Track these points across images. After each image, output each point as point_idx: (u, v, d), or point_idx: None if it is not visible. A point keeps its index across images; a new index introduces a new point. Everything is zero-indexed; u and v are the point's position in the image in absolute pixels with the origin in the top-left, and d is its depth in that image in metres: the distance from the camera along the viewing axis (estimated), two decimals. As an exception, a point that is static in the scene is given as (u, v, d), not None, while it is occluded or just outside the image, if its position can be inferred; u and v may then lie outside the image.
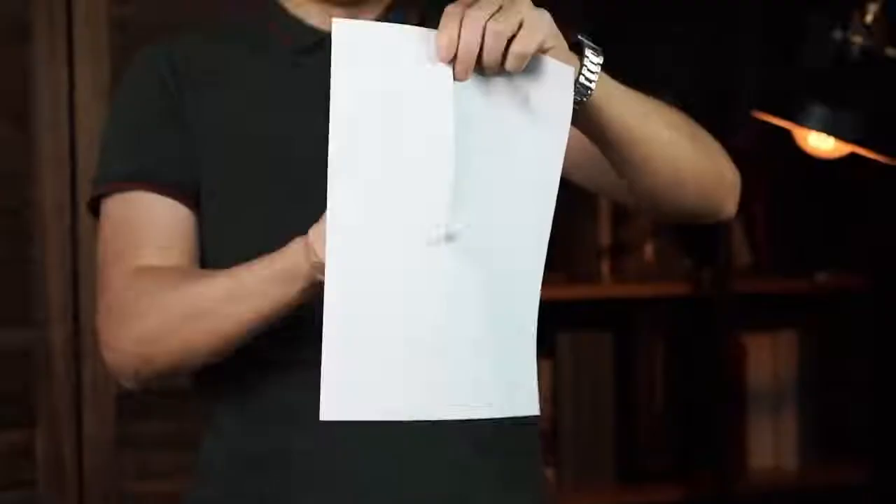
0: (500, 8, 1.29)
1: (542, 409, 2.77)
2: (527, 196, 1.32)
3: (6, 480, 2.42)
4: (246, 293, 1.42)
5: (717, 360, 2.94)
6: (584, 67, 1.37)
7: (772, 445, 3.09)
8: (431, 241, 1.28)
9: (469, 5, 1.29)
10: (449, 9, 1.30)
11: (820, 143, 2.63)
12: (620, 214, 2.97)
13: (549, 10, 1.35)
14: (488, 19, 1.28)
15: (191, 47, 1.58)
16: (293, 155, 1.51)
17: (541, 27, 1.30)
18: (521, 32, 1.29)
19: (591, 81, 1.37)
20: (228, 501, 1.54)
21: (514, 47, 1.29)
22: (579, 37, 1.39)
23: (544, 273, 1.36)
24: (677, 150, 1.47)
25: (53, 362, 2.44)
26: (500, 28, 1.28)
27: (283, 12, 1.59)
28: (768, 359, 3.08)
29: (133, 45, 2.18)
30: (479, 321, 1.29)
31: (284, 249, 1.39)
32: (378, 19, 1.55)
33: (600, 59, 1.38)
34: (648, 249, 2.98)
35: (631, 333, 2.98)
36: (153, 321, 1.47)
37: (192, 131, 1.54)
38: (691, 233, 2.97)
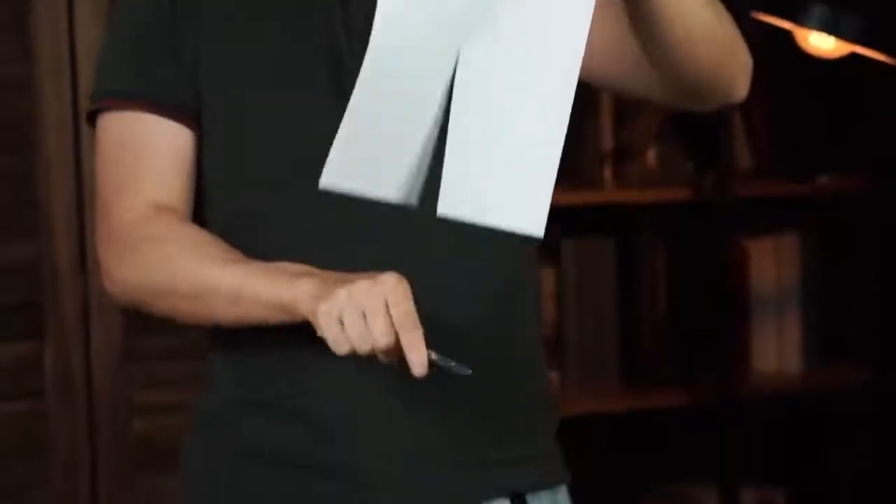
0: None
1: (545, 314, 2.84)
2: (558, 26, 1.29)
3: (15, 391, 2.46)
4: (247, 301, 1.44)
5: (720, 264, 2.95)
6: None
7: (775, 349, 3.09)
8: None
9: None
10: None
11: (820, 44, 2.63)
12: (623, 116, 2.96)
13: None
14: None
15: None
16: (301, 66, 1.51)
17: None
18: None
19: None
20: (238, 411, 1.56)
21: None
22: None
23: None
24: (701, 11, 1.45)
25: (60, 275, 2.46)
26: None
27: None
28: (771, 263, 3.09)
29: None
30: (503, 132, 1.30)
31: (296, 285, 1.39)
32: None
33: None
34: (651, 155, 2.98)
35: (633, 239, 2.99)
36: (155, 277, 1.50)
37: (192, 47, 1.53)
38: (693, 136, 2.98)
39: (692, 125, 2.94)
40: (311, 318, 1.37)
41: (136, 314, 2.24)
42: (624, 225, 2.98)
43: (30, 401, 2.45)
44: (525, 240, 1.29)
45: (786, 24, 2.47)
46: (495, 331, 1.53)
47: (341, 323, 1.33)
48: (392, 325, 1.32)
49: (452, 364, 1.35)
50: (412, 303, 1.34)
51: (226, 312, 1.46)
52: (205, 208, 1.58)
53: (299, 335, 1.45)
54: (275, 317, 1.43)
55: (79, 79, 2.43)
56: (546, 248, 1.32)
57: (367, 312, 1.33)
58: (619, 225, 2.97)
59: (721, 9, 1.49)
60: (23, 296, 2.45)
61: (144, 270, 1.50)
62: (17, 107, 2.43)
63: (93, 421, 2.48)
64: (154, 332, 2.46)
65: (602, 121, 2.95)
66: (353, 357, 1.38)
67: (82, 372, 2.47)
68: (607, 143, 2.96)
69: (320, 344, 1.37)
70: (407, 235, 1.48)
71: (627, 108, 2.96)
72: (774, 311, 3.10)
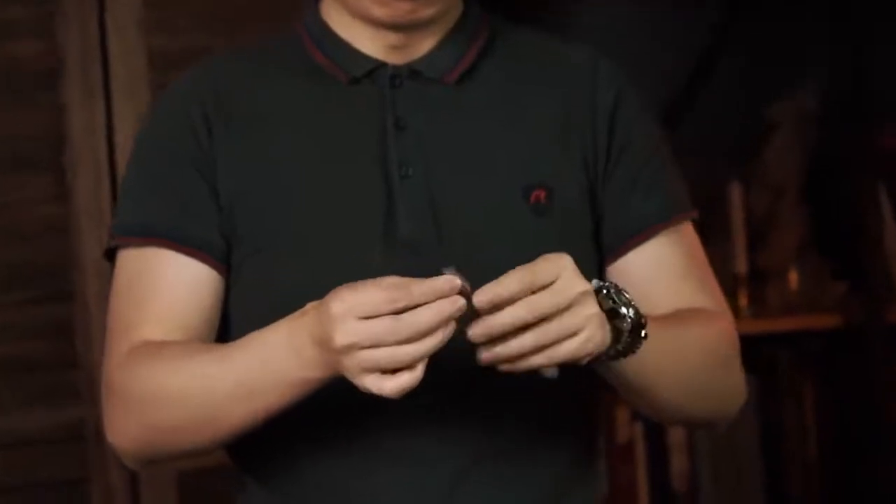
0: (568, 307, 1.30)
1: (676, 464, 2.70)
2: None
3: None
4: (256, 393, 1.39)
5: (878, 399, 2.83)
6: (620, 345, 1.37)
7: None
8: None
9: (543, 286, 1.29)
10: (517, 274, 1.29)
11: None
12: (758, 235, 2.92)
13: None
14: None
15: (227, 79, 1.53)
16: (343, 206, 1.48)
17: (594, 341, 1.33)
18: (570, 342, 1.31)
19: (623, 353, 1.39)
20: None
21: (557, 352, 1.31)
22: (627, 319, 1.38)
23: None
24: (680, 400, 1.50)
25: (105, 442, 2.32)
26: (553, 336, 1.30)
27: (333, 36, 1.53)
28: (939, 394, 2.99)
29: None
30: None
31: (301, 351, 1.35)
32: (438, 45, 1.52)
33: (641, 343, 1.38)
34: (792, 276, 2.90)
35: (775, 375, 2.88)
36: (151, 414, 1.45)
37: (225, 179, 1.50)
38: (841, 253, 2.90)
39: (839, 241, 2.87)
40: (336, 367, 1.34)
41: (190, 479, 2.36)
42: (764, 359, 2.87)
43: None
44: None
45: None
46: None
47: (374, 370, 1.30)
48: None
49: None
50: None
51: (234, 415, 1.41)
52: None
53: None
54: (293, 396, 1.39)
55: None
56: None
57: (381, 335, 1.28)
58: (759, 359, 2.84)
59: (712, 380, 1.52)
60: (66, 469, 2.38)
61: (134, 413, 1.46)
62: (54, 252, 2.38)
63: None
64: (213, 501, 2.29)
65: (734, 241, 2.89)
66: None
67: (134, 556, 2.43)
68: (741, 265, 2.88)
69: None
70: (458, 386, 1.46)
71: (762, 224, 2.91)
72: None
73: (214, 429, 1.43)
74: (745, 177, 2.88)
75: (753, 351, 2.81)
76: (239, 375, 1.39)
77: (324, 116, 1.51)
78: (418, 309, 1.26)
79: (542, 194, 1.48)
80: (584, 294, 1.29)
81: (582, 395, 1.53)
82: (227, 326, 1.51)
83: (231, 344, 1.44)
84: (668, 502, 2.78)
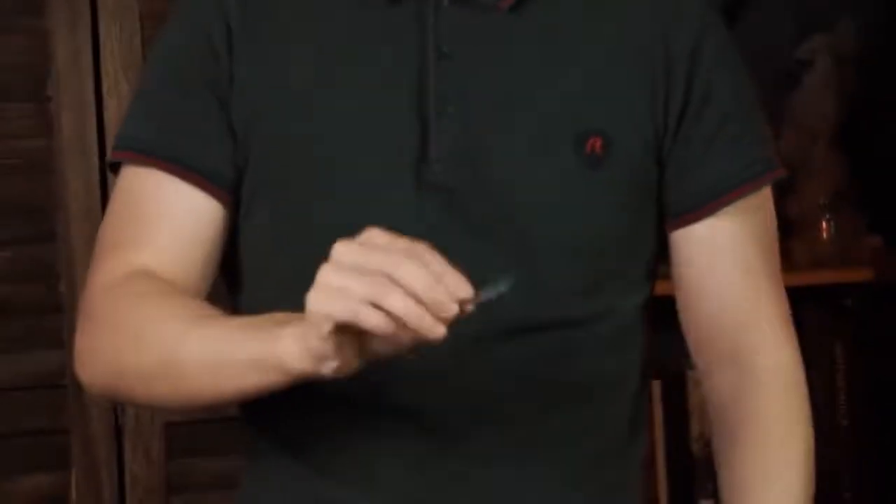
0: None
1: (696, 428, 2.71)
2: None
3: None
4: (230, 371, 1.35)
5: None
6: None
7: None
8: None
9: None
10: None
11: None
12: (785, 182, 2.85)
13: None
14: None
15: None
16: (371, 140, 1.44)
17: None
18: None
19: None
20: None
21: None
22: None
23: None
24: None
25: (86, 392, 2.36)
26: None
27: None
28: (983, 355, 2.97)
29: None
30: None
31: (278, 338, 1.30)
32: None
33: None
34: (822, 228, 2.87)
35: (804, 334, 2.76)
36: (119, 356, 1.43)
37: (242, 102, 1.47)
38: (878, 202, 2.88)
39: (876, 188, 2.85)
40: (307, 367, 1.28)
41: (178, 430, 2.39)
42: (792, 316, 2.76)
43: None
44: None
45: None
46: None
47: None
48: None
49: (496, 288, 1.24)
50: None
51: (207, 385, 1.38)
52: (237, 297, 1.52)
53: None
54: (265, 380, 1.33)
55: (106, 153, 2.40)
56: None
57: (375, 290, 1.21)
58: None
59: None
60: (45, 418, 2.40)
61: (105, 352, 1.45)
62: (36, 190, 2.40)
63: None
64: (201, 455, 2.40)
65: (760, 186, 2.90)
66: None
67: (115, 506, 2.43)
68: (767, 214, 2.89)
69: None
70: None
71: (792, 171, 2.79)
72: None
73: (185, 395, 1.41)
74: (774, 119, 2.78)
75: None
76: (208, 347, 1.36)
77: (357, 38, 1.46)
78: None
79: (598, 143, 1.43)
80: None
81: (630, 357, 1.50)
82: (237, 261, 1.49)
83: (216, 315, 1.40)
84: (688, 468, 2.75)
